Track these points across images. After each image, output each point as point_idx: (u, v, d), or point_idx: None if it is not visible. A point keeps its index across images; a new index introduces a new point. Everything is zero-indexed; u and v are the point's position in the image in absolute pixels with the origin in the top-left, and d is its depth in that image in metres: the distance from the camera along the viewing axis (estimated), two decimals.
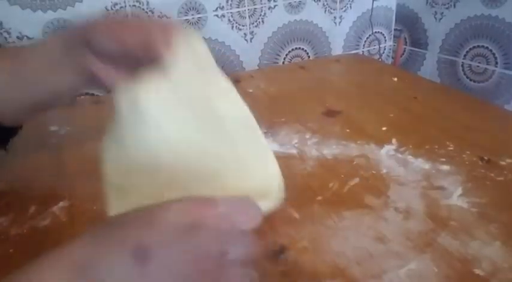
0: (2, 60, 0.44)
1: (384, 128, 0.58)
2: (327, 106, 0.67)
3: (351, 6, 1.02)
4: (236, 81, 0.82)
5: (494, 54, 0.81)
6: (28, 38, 0.76)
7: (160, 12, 0.84)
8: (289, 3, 0.95)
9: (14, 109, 0.46)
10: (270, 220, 0.39)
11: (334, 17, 1.01)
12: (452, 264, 0.34)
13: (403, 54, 1.07)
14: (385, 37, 1.10)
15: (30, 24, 0.76)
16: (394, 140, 0.54)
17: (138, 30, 0.37)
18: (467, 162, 0.48)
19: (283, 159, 0.52)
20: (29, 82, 0.44)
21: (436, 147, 0.51)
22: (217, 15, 0.89)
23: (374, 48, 1.10)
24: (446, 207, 0.40)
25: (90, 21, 0.40)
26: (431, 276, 0.33)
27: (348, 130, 0.58)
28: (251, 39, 0.95)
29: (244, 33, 0.94)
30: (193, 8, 0.87)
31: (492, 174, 0.45)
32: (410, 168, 0.48)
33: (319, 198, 0.44)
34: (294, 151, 0.54)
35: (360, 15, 1.04)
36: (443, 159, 0.49)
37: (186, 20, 0.87)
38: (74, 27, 0.42)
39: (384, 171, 0.48)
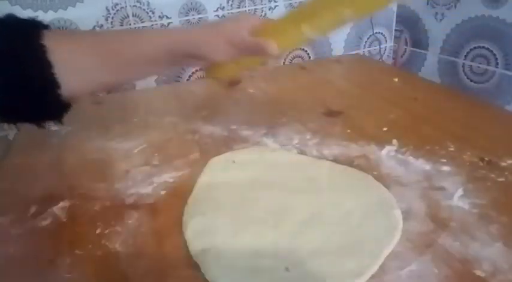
0: (95, 44, 0.47)
1: (385, 129, 0.58)
2: (327, 106, 0.67)
3: None
4: (237, 81, 0.82)
5: (495, 55, 0.81)
6: None
7: (161, 13, 0.84)
8: (290, 3, 0.95)
9: (92, 88, 0.49)
10: None
11: None
12: (453, 265, 0.34)
13: (403, 54, 1.07)
14: (385, 37, 1.10)
15: None
16: (394, 141, 0.53)
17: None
18: (468, 163, 0.48)
19: None
20: (121, 72, 0.48)
21: (437, 147, 0.51)
22: (217, 16, 0.89)
23: (375, 49, 1.10)
24: (447, 208, 0.40)
25: (188, 32, 0.49)
26: (432, 278, 0.33)
27: (348, 131, 0.58)
28: None
29: None
30: (193, 9, 0.87)
31: (493, 175, 0.45)
32: (411, 169, 0.48)
33: None
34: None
35: None
36: (444, 160, 0.49)
37: (187, 20, 0.87)
38: (176, 38, 0.48)
39: (385, 171, 0.48)
